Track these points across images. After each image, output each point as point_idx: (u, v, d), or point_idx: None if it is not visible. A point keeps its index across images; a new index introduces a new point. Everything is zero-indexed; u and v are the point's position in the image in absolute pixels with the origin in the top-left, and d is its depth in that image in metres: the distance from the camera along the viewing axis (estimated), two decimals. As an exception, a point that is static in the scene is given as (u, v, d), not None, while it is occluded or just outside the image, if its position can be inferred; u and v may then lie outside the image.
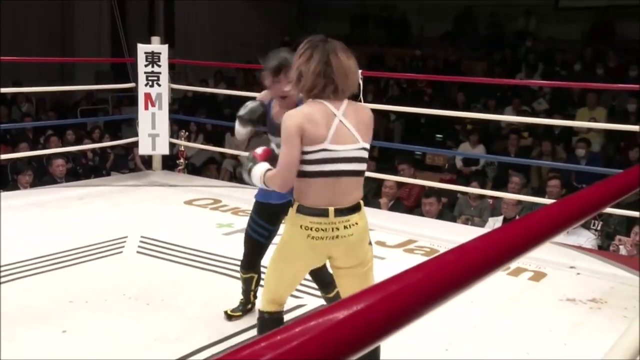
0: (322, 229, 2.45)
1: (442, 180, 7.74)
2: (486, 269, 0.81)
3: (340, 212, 2.45)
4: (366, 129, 2.50)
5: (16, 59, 9.73)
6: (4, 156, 7.08)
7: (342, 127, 2.42)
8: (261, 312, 2.77)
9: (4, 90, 8.13)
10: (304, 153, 2.43)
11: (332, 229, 2.46)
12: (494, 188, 7.48)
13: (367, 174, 6.29)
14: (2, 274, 3.93)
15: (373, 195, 7.42)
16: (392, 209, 6.55)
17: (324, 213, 2.44)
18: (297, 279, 2.72)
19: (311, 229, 2.46)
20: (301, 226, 2.47)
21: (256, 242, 3.34)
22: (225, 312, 3.47)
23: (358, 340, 0.67)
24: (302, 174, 2.46)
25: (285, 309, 2.81)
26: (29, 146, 8.52)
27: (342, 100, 2.47)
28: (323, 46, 2.45)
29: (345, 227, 2.46)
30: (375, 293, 0.66)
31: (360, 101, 5.79)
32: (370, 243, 2.62)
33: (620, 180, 1.51)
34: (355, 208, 2.50)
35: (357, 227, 2.49)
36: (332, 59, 2.42)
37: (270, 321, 2.70)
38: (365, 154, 2.51)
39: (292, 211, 2.52)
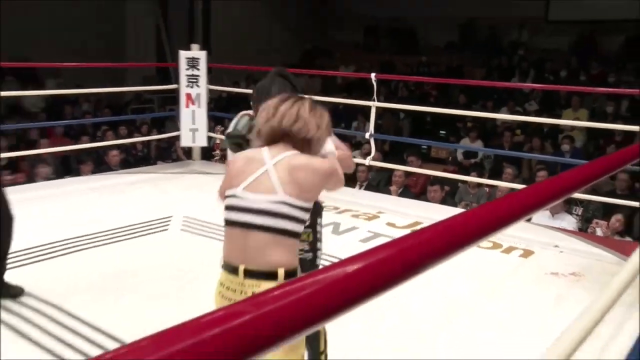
0: (232, 289, 1.89)
1: (445, 171, 7.74)
2: (485, 232, 0.87)
3: (250, 274, 1.85)
4: (294, 181, 1.86)
5: (75, 65, 9.86)
6: (70, 147, 7.27)
7: (265, 176, 1.88)
8: None
9: (70, 91, 8.80)
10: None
11: (242, 292, 1.86)
12: (490, 178, 7.48)
13: (380, 164, 6.46)
14: (70, 244, 4.04)
15: (384, 183, 7.47)
16: (401, 195, 6.58)
17: (234, 271, 1.89)
18: None
19: (223, 286, 1.92)
20: (220, 281, 1.96)
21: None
22: None
23: (373, 287, 0.69)
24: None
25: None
26: (89, 139, 8.63)
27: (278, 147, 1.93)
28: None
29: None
30: (392, 246, 0.71)
31: (374, 101, 5.80)
32: None
33: (588, 169, 1.56)
34: (269, 275, 1.83)
35: None
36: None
37: None
38: (286, 209, 1.84)
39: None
